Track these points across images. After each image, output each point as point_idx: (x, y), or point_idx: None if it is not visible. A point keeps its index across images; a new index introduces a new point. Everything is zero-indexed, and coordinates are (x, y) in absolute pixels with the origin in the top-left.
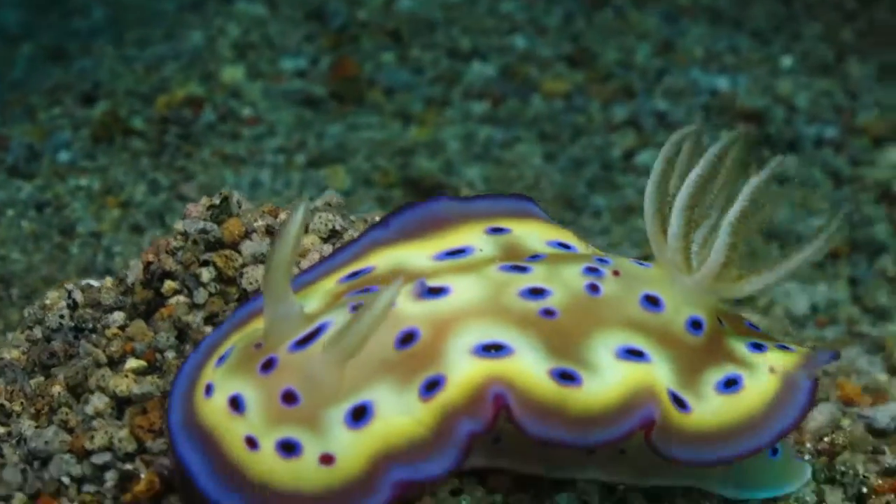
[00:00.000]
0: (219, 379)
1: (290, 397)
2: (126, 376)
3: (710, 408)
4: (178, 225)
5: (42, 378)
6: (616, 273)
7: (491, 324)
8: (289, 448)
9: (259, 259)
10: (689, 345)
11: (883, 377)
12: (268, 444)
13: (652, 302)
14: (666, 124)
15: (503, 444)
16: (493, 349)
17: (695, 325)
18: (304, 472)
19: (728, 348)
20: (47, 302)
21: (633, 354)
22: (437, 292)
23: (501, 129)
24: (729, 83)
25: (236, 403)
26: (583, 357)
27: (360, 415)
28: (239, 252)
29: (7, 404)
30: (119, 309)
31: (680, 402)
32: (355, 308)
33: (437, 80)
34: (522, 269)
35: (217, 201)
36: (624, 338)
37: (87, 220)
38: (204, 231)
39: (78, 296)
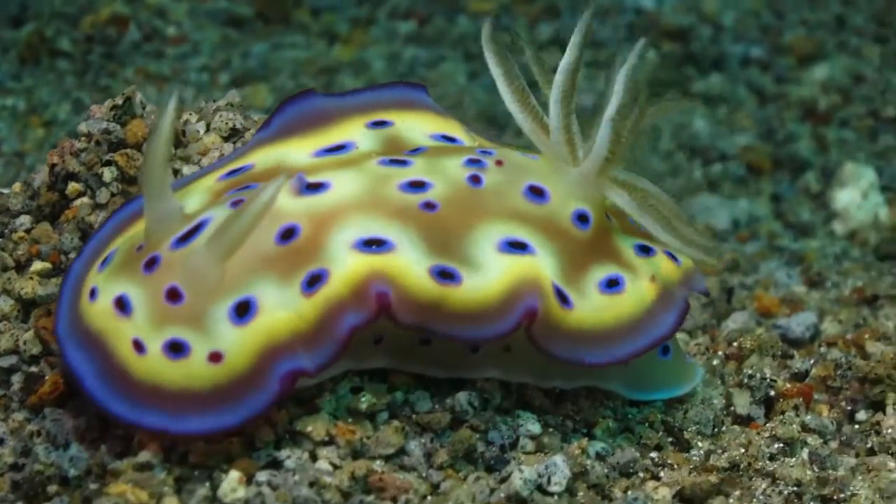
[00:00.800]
0: (102, 281)
1: (174, 294)
2: (31, 279)
3: (590, 306)
4: (82, 126)
5: None
6: (499, 163)
7: (371, 218)
8: (176, 348)
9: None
10: (575, 238)
11: (801, 289)
12: (155, 347)
13: (536, 193)
14: (591, 43)
15: (385, 343)
16: (374, 244)
17: (581, 218)
18: (193, 370)
19: (614, 246)
20: None
21: (517, 247)
22: (316, 188)
23: (426, 48)
24: (654, 2)
25: (122, 304)
26: (464, 252)
27: (243, 311)
28: (141, 152)
29: None
30: (26, 213)
31: (563, 297)
32: (235, 204)
33: (363, 0)
34: (402, 163)
35: (120, 102)
36: (507, 229)
37: (12, 139)
38: (107, 131)
39: None
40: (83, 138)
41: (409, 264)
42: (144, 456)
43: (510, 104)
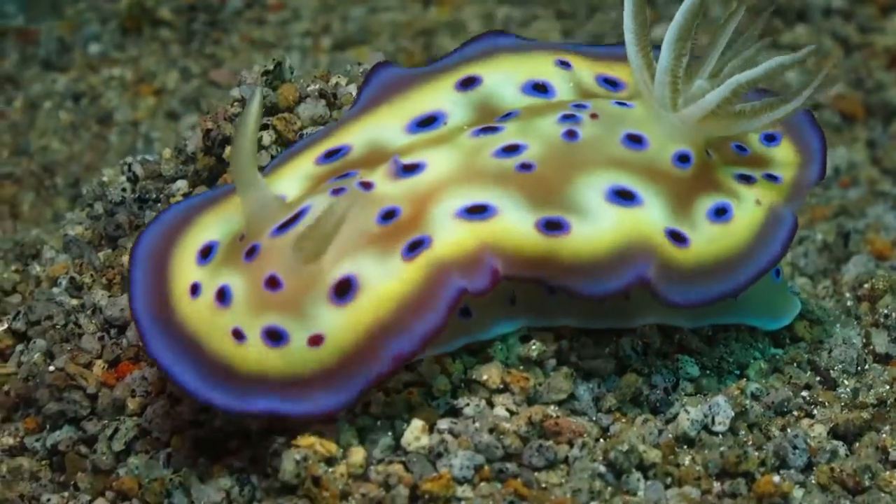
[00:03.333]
0: (206, 277)
1: (273, 282)
2: None
3: (705, 237)
4: (235, 92)
5: (110, 251)
6: (594, 116)
7: (470, 187)
8: (275, 336)
9: (317, 121)
10: (678, 178)
11: None
12: (254, 335)
13: (635, 140)
14: None
15: (519, 303)
16: (476, 211)
17: (682, 158)
18: (294, 356)
19: (717, 179)
20: (105, 179)
21: (624, 197)
22: (412, 169)
23: (519, 7)
24: None
25: (223, 295)
26: (570, 201)
27: (344, 290)
28: (297, 115)
29: (77, 277)
30: (181, 178)
31: (678, 237)
32: (336, 192)
33: None
34: (494, 130)
35: (271, 67)
36: (610, 177)
37: (124, 108)
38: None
39: (138, 169)
40: (236, 103)
41: (515, 224)
42: None
43: (627, 34)
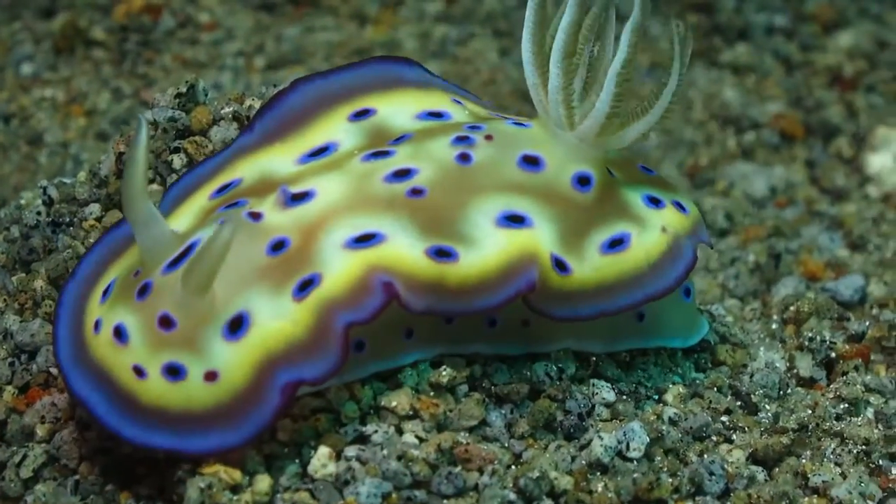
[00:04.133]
0: (105, 312)
1: (166, 322)
2: None
3: (590, 267)
4: (147, 115)
5: (23, 274)
6: (489, 137)
7: (359, 215)
8: (173, 371)
9: (228, 144)
10: (576, 202)
11: (844, 252)
12: (154, 371)
13: (531, 162)
14: (616, 15)
15: (416, 335)
16: (364, 239)
17: (581, 181)
18: (191, 391)
19: (621, 202)
20: (22, 202)
21: (514, 220)
22: (301, 198)
23: (456, 26)
24: None
25: (119, 333)
26: (459, 230)
27: (236, 326)
28: (209, 138)
29: None
30: (94, 202)
31: (561, 265)
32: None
33: None
34: (385, 154)
35: (184, 90)
36: (502, 203)
37: (54, 129)
38: (173, 119)
39: (53, 192)
40: (149, 126)
41: (404, 249)
42: None
43: (525, 52)
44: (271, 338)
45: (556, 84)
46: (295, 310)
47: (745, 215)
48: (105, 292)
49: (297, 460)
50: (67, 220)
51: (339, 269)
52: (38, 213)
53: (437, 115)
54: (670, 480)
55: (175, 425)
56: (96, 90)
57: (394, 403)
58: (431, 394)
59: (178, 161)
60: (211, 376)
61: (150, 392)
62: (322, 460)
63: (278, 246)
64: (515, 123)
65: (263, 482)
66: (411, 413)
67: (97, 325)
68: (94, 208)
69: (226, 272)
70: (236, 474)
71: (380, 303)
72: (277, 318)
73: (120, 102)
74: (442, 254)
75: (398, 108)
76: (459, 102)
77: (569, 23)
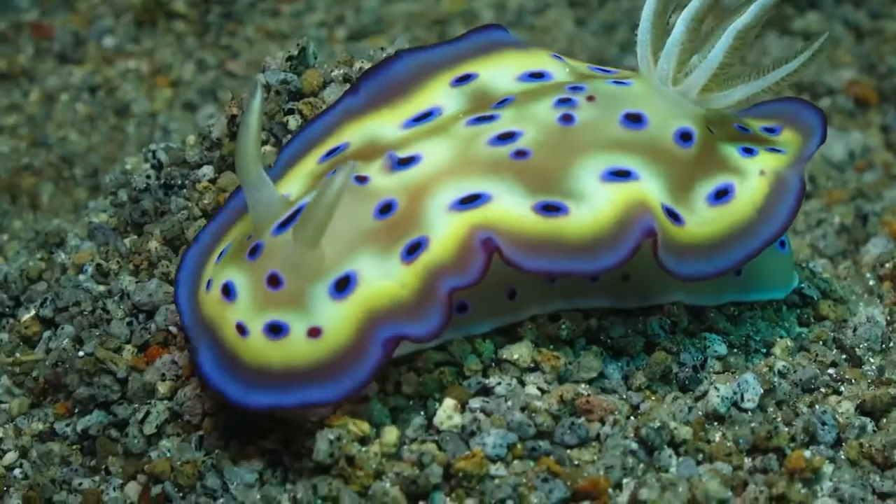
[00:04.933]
0: (217, 272)
1: (274, 280)
2: None
3: (702, 219)
4: (260, 77)
5: (136, 236)
6: (591, 98)
7: (465, 178)
8: (276, 329)
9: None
10: (680, 157)
11: None
12: (256, 329)
13: (634, 119)
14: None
15: (518, 297)
16: (470, 200)
17: (684, 136)
18: (293, 348)
19: (720, 156)
20: (128, 167)
21: (620, 175)
22: (407, 162)
23: None
24: None
25: (227, 290)
26: (566, 187)
27: (343, 285)
28: (322, 99)
29: (104, 263)
30: (207, 164)
31: (674, 216)
32: None
33: None
34: (489, 118)
35: (295, 52)
36: (607, 160)
37: (141, 100)
38: (285, 81)
39: (162, 155)
40: (262, 88)
41: (510, 207)
42: None
43: (647, 9)
44: (377, 297)
45: (677, 38)
46: (404, 273)
47: (828, 178)
48: (220, 255)
49: (422, 412)
50: (179, 182)
51: (445, 231)
52: (148, 177)
53: (538, 76)
54: (786, 430)
55: (276, 382)
56: (180, 62)
57: (515, 356)
58: (551, 347)
59: (293, 122)
60: (314, 332)
61: (251, 350)
62: (447, 412)
63: (386, 209)
64: (616, 82)
65: (391, 434)
66: (532, 366)
67: (209, 284)
68: (208, 170)
69: (334, 233)
70: (364, 426)
71: (482, 261)
72: (386, 279)
73: (205, 73)
74: (550, 209)
75: (499, 71)
76: (560, 59)
77: None
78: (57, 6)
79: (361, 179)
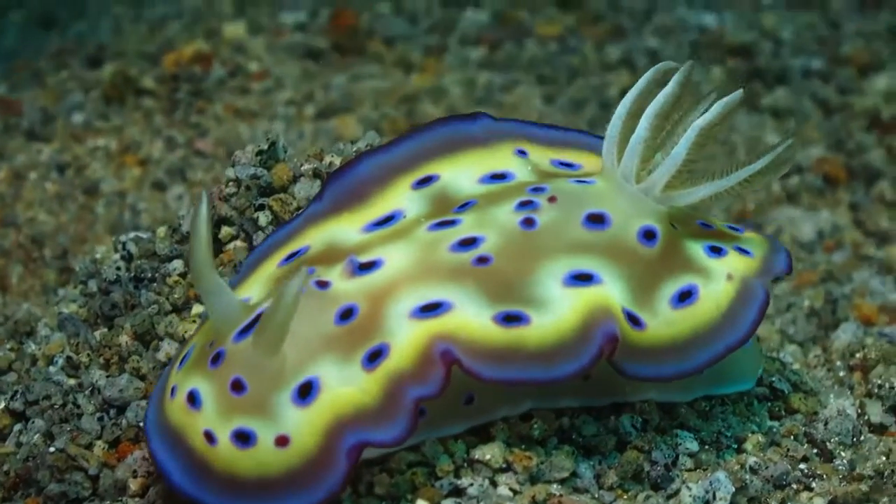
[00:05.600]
0: (180, 379)
1: (237, 385)
2: (193, 321)
3: (664, 322)
4: (230, 172)
5: (105, 329)
6: (552, 199)
7: (426, 285)
8: (243, 438)
9: (304, 208)
10: (643, 256)
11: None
12: (224, 437)
13: (596, 220)
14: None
15: (476, 402)
16: (430, 309)
17: (647, 235)
18: (262, 457)
19: (684, 255)
20: (97, 256)
21: (582, 279)
22: (368, 267)
23: (500, 73)
24: (715, 19)
25: (193, 398)
26: (527, 294)
27: (306, 392)
28: (292, 195)
29: (74, 356)
30: (177, 257)
31: (634, 320)
32: None
33: (433, 29)
34: (451, 223)
35: (265, 147)
36: (569, 263)
37: (109, 179)
38: (255, 176)
39: (132, 247)
40: (231, 183)
41: (470, 317)
42: None
43: (622, 106)
44: (341, 403)
45: (641, 135)
46: (365, 379)
47: (797, 260)
48: (182, 360)
49: None
50: (150, 275)
51: (406, 340)
52: (118, 269)
53: (500, 177)
54: None
55: (249, 492)
56: (149, 139)
57: (487, 456)
58: (523, 446)
59: (263, 218)
60: (282, 441)
61: (220, 458)
62: None
63: (347, 314)
64: (579, 181)
65: None
66: (504, 466)
67: (173, 390)
68: (178, 264)
69: (296, 339)
70: None
71: (442, 373)
72: (347, 385)
73: (173, 151)
74: (511, 319)
75: (461, 172)
76: (524, 154)
77: (670, 93)
78: (26, 81)
79: (323, 284)
